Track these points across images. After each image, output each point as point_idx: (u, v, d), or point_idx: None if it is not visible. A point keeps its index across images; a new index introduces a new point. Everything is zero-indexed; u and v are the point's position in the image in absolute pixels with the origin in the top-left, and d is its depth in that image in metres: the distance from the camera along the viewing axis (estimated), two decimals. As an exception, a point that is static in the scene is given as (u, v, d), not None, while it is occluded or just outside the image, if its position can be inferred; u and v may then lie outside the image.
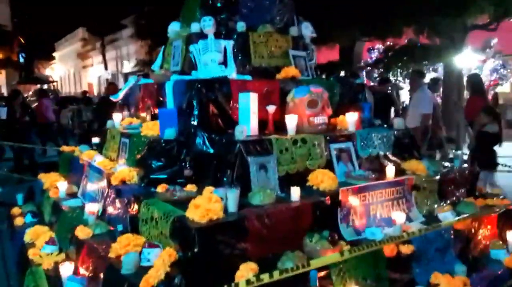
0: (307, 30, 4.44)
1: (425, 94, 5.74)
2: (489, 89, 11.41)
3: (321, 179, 2.94)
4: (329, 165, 3.23)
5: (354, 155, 3.40)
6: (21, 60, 32.24)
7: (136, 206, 2.88)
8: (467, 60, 10.48)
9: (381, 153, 3.55)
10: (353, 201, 2.93)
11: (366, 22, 8.79)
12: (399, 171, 3.40)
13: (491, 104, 8.04)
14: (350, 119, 3.60)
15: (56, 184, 4.17)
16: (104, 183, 3.44)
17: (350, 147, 3.41)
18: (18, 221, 4.14)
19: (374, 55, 13.56)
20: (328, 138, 3.33)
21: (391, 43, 11.91)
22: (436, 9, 7.53)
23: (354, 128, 3.59)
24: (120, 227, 2.98)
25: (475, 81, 6.29)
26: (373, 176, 3.17)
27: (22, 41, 29.31)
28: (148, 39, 17.51)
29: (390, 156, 3.60)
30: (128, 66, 28.22)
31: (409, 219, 3.14)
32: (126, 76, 25.10)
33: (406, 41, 11.51)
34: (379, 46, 13.16)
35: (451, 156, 4.02)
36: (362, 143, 3.46)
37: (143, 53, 19.99)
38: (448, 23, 8.11)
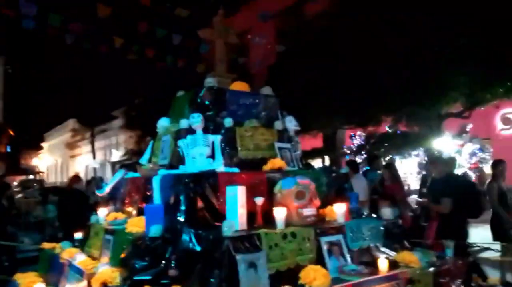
0: (291, 124, 4.63)
1: (360, 182, 6.02)
2: (473, 171, 11.75)
3: (314, 277, 2.82)
4: (320, 260, 3.14)
5: (345, 248, 3.33)
6: (8, 150, 32.31)
7: (116, 313, 2.68)
8: (446, 145, 10.93)
9: (372, 245, 3.49)
10: (348, 299, 2.79)
11: (347, 113, 9.28)
12: (392, 264, 3.31)
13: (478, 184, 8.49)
14: (339, 210, 3.59)
15: (32, 287, 3.89)
16: (84, 285, 3.24)
17: (341, 239, 3.35)
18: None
19: (356, 141, 14.07)
20: (318, 231, 3.28)
21: (372, 130, 12.46)
22: (412, 100, 8.04)
23: (343, 219, 3.56)
24: (98, 337, 2.74)
25: (394, 169, 6.77)
26: (366, 270, 3.07)
27: (12, 133, 29.71)
28: (138, 129, 17.99)
29: (382, 248, 3.53)
30: (117, 155, 28.45)
31: (407, 317, 2.98)
32: (113, 165, 25.17)
33: (386, 127, 12.08)
34: (360, 133, 13.73)
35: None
36: (352, 235, 3.41)
37: (132, 143, 20.37)
38: (424, 112, 8.61)
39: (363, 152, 12.61)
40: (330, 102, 9.10)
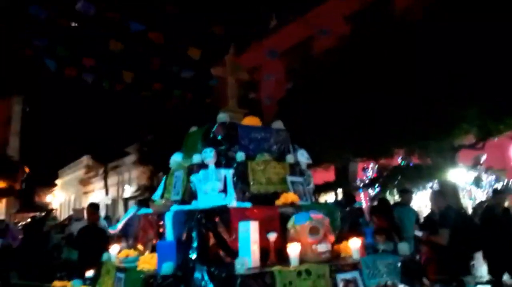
0: (303, 157, 4.63)
1: None
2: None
3: (330, 316, 2.73)
4: (336, 298, 3.04)
5: (361, 286, 3.22)
6: (23, 187, 32.71)
7: None
8: (461, 176, 10.71)
9: (389, 282, 3.37)
10: None
11: (358, 145, 9.23)
12: (412, 302, 3.19)
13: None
14: (354, 246, 3.50)
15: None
16: (94, 325, 3.17)
17: (357, 277, 3.25)
18: None
19: (369, 174, 13.88)
20: (333, 267, 3.20)
21: (385, 163, 12.31)
22: (423, 133, 7.98)
23: (358, 255, 3.46)
24: None
25: (383, 206, 6.57)
26: (385, 309, 2.95)
27: (27, 170, 30.19)
28: (150, 165, 18.11)
29: (400, 285, 3.40)
30: (129, 191, 28.53)
31: None
32: (126, 201, 25.19)
33: (399, 160, 11.93)
34: (372, 165, 13.57)
35: None
36: (368, 272, 3.31)
37: (145, 179, 20.46)
38: (436, 145, 8.50)
39: (376, 185, 12.40)
40: (341, 135, 9.09)
